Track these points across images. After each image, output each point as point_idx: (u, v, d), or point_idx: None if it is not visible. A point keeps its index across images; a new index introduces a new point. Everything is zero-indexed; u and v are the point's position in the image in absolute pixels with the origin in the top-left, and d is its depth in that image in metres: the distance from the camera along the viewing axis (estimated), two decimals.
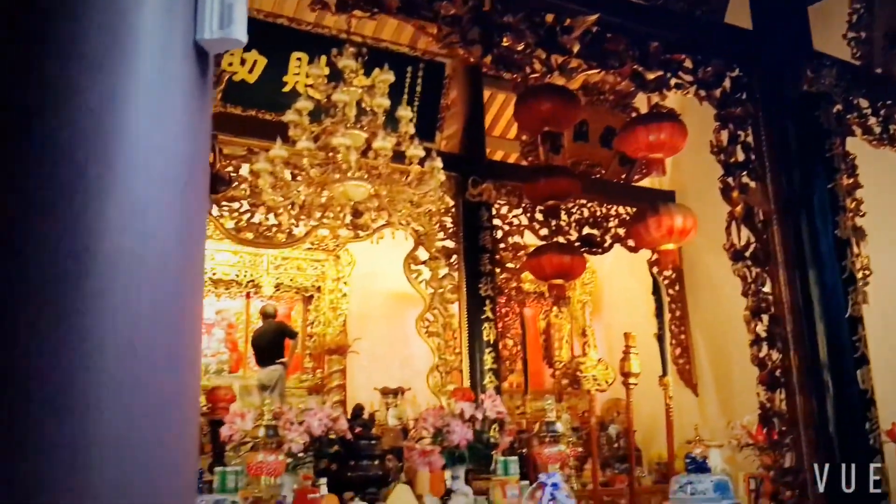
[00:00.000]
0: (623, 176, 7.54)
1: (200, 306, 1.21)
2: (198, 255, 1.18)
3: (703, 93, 4.54)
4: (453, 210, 6.77)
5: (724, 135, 4.57)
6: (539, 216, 6.92)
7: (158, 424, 1.07)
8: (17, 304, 1.02)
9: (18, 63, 1.07)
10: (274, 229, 6.15)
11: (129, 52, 1.11)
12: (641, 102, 7.04)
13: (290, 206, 5.19)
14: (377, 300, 7.97)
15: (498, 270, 6.79)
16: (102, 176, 1.06)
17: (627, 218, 7.25)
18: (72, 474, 0.98)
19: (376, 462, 4.75)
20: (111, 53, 1.09)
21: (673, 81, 4.44)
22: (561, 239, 6.88)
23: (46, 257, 1.03)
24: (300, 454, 4.25)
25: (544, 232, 6.94)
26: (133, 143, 1.09)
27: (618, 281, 8.46)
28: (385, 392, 7.08)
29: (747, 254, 4.52)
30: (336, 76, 4.92)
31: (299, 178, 4.97)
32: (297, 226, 6.16)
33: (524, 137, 7.28)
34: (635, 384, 6.47)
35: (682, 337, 7.58)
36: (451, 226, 6.79)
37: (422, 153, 4.92)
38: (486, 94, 7.51)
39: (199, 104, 1.20)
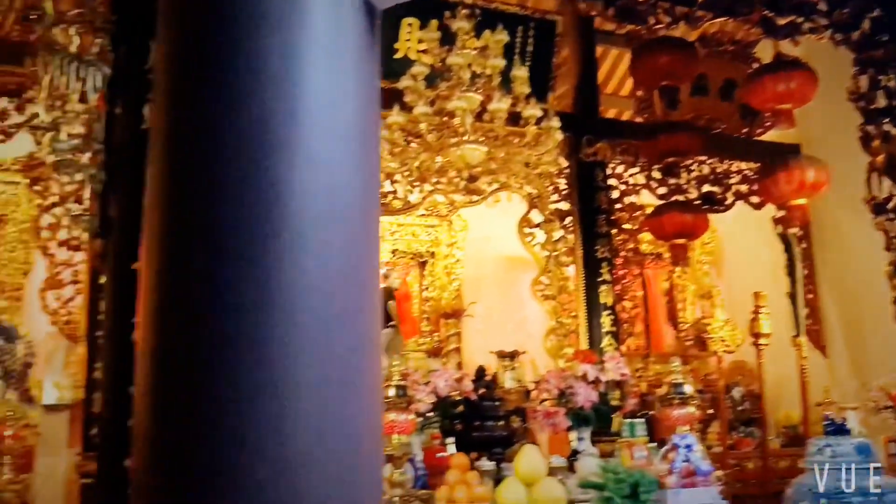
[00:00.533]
0: (745, 130, 7.22)
1: (378, 258, 1.23)
2: (375, 210, 1.20)
3: (838, 36, 4.28)
4: (567, 171, 6.66)
5: (864, 80, 4.31)
6: (657, 174, 6.74)
7: (349, 371, 1.09)
8: (213, 257, 1.06)
9: (205, 29, 1.10)
10: (390, 196, 6.22)
11: (304, 10, 1.12)
12: (763, 52, 6.72)
13: (406, 173, 5.24)
14: (490, 264, 7.97)
15: (614, 231, 6.66)
16: (288, 135, 1.08)
17: (750, 174, 6.97)
18: (277, 411, 1.02)
19: (500, 423, 4.79)
20: (289, 12, 1.10)
21: (806, 26, 4.20)
22: (680, 197, 6.69)
23: (240, 215, 1.06)
24: (428, 413, 4.33)
25: (662, 191, 6.75)
26: (313, 102, 1.11)
27: (739, 240, 8.15)
28: (501, 355, 7.09)
29: (890, 206, 4.27)
30: (447, 40, 4.91)
31: (413, 143, 5.00)
32: (412, 192, 6.21)
33: (639, 93, 7.08)
34: (766, 345, 6.25)
35: (811, 296, 7.27)
36: (565, 187, 6.69)
37: (539, 113, 4.87)
38: (598, 50, 7.32)
39: (369, 59, 1.20)
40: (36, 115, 3.12)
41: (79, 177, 3.79)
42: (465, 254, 7.85)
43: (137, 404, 1.14)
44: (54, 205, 5.61)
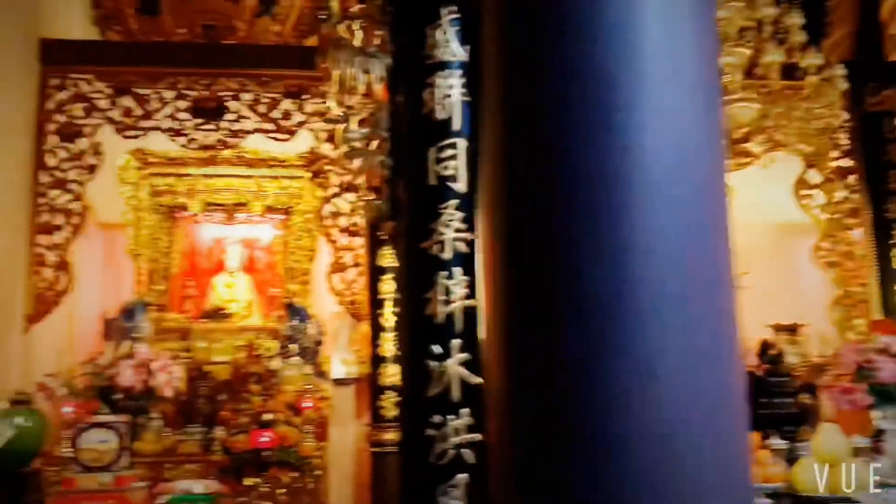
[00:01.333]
0: None
1: (728, 215, 1.16)
2: (722, 162, 1.12)
3: None
4: (847, 124, 6.06)
5: None
6: None
7: (710, 339, 1.03)
8: (560, 217, 1.04)
9: None
10: None
11: None
12: None
13: None
14: (759, 232, 7.46)
15: None
16: (633, 85, 1.04)
17: None
18: (634, 375, 0.98)
19: (789, 399, 4.47)
20: None
21: None
22: None
23: (588, 173, 1.03)
24: None
25: None
26: (656, 51, 1.05)
27: None
28: (778, 328, 6.63)
29: None
30: None
31: None
32: None
33: None
34: None
35: None
36: (846, 143, 6.10)
37: (819, 62, 4.48)
38: None
39: (707, 4, 1.12)
40: (328, 110, 3.37)
41: (355, 166, 4.03)
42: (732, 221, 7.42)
43: (490, 374, 1.16)
44: (334, 195, 6.05)
